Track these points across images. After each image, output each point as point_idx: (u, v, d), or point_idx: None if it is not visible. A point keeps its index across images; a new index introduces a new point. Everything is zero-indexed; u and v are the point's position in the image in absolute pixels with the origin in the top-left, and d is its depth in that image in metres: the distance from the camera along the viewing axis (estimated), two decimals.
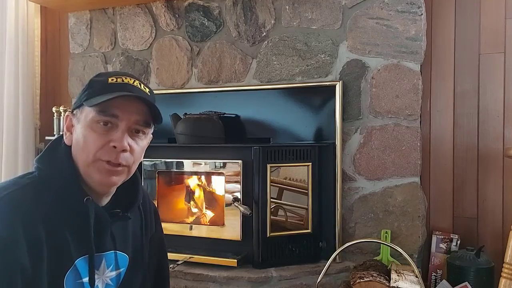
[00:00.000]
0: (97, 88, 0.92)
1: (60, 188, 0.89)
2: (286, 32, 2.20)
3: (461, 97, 2.12)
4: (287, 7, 2.19)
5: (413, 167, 2.01)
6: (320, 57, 2.14)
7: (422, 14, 1.99)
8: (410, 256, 1.70)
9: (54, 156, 0.94)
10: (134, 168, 0.96)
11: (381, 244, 1.97)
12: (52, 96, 2.97)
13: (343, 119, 2.07)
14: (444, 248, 2.08)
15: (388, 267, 1.87)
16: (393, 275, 1.71)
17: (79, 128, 0.91)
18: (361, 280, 1.68)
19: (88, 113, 0.90)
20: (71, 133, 0.94)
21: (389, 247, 1.93)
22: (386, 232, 2.00)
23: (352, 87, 2.08)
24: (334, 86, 2.06)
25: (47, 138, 2.71)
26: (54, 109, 2.65)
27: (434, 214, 2.16)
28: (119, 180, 0.93)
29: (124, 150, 0.90)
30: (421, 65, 2.02)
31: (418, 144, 2.00)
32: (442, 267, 2.06)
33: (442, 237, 2.09)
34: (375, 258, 1.98)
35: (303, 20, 2.17)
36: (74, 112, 0.95)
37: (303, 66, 2.17)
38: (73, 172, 0.91)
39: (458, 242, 2.06)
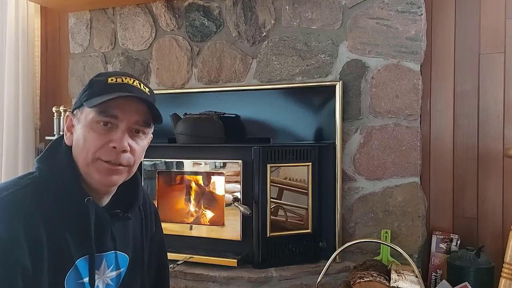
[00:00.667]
0: (97, 88, 0.92)
1: (60, 188, 0.89)
2: (286, 32, 2.20)
3: (461, 97, 2.12)
4: (287, 7, 2.19)
5: (413, 167, 2.01)
6: (320, 57, 2.14)
7: (422, 14, 1.99)
8: (410, 256, 1.70)
9: (54, 156, 0.94)
10: (134, 168, 0.97)
11: (381, 244, 1.97)
12: (52, 96, 2.97)
13: (343, 119, 2.07)
14: (444, 248, 2.08)
15: (388, 267, 1.87)
16: (393, 275, 1.71)
17: (79, 128, 0.92)
18: (361, 280, 1.68)
19: (88, 113, 0.90)
20: (72, 133, 0.94)
21: (389, 247, 1.93)
22: (386, 232, 2.00)
23: (352, 87, 2.08)
24: (334, 86, 2.06)
25: (47, 138, 2.71)
26: (54, 109, 2.65)
27: (434, 214, 2.16)
28: (119, 179, 0.93)
29: (124, 151, 0.90)
30: (421, 65, 2.02)
31: (418, 144, 2.00)
32: (442, 267, 2.06)
33: (442, 237, 2.10)
34: (375, 258, 1.98)
35: (303, 20, 2.17)
36: (74, 112, 0.95)
37: (303, 66, 2.17)
38: (73, 172, 0.91)
39: (458, 242, 2.06)
